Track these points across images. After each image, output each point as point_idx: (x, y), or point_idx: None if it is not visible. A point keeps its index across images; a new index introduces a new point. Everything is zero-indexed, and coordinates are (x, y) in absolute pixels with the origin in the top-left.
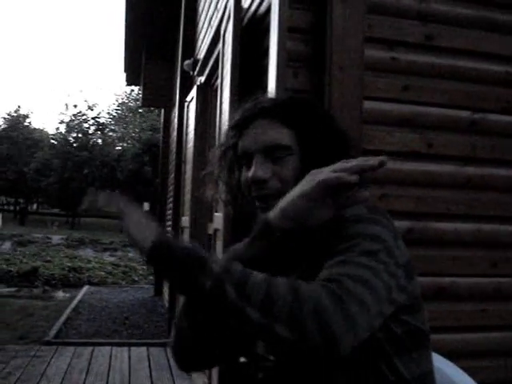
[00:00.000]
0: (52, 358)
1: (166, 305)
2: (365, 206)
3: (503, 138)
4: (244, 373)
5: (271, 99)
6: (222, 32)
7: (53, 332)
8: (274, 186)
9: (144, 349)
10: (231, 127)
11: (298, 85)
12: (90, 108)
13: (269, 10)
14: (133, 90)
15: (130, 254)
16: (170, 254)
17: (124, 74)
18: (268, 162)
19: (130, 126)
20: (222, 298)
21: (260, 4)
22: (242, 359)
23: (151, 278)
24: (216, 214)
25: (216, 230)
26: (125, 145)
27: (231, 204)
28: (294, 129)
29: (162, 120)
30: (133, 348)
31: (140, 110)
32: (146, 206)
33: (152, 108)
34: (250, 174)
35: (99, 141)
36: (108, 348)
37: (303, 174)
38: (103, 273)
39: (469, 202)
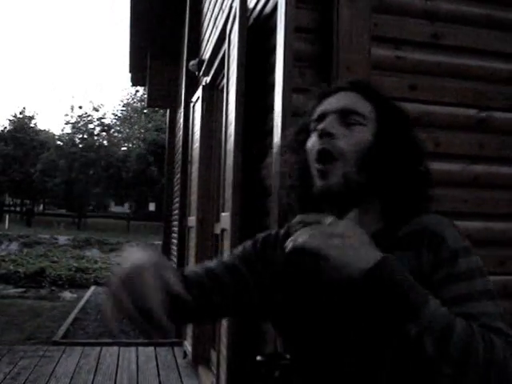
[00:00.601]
0: (60, 358)
1: None
2: (441, 217)
3: (510, 135)
4: (260, 371)
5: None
6: (227, 32)
7: (60, 332)
8: (339, 145)
9: (151, 349)
10: (316, 96)
11: (305, 84)
12: (96, 109)
13: (274, 9)
14: (138, 91)
15: None
16: (393, 281)
17: (129, 75)
18: (340, 125)
19: (136, 127)
20: (419, 349)
21: (265, 4)
22: (259, 357)
23: None
24: (223, 213)
25: (223, 230)
26: (130, 145)
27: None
28: (375, 104)
29: (168, 120)
30: (140, 348)
31: (145, 111)
32: (152, 206)
33: (157, 108)
34: (320, 126)
35: (105, 142)
36: (116, 348)
37: (373, 149)
38: (110, 273)
39: (476, 200)
